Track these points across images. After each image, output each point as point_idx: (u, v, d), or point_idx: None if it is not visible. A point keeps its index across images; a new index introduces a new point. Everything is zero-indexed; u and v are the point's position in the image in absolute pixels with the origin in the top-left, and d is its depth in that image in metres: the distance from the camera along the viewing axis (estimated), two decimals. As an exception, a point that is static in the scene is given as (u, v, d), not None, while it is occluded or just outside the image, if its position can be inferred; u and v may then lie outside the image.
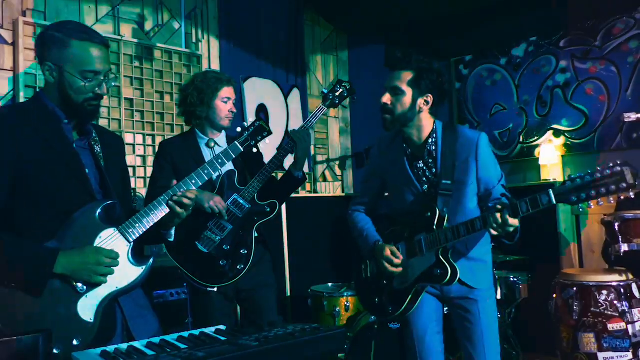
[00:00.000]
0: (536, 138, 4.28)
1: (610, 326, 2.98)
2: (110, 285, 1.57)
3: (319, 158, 5.10)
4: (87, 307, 1.52)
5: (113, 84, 1.71)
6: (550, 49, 4.22)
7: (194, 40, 4.15)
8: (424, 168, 2.16)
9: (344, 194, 5.01)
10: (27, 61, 3.24)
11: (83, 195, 1.61)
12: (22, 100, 3.18)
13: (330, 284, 3.78)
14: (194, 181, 1.78)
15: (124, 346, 1.23)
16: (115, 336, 1.62)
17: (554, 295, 3.24)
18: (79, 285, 1.53)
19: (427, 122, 2.14)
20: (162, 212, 1.71)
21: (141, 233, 1.66)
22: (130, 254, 1.62)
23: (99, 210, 1.59)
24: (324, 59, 5.24)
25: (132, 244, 1.64)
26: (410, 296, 2.12)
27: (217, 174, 2.43)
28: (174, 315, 3.20)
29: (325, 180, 5.12)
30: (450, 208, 2.09)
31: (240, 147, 1.92)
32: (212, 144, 2.60)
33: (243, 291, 2.55)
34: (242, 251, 2.47)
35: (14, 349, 1.07)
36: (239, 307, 2.81)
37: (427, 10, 4.34)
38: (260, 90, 4.48)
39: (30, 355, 1.07)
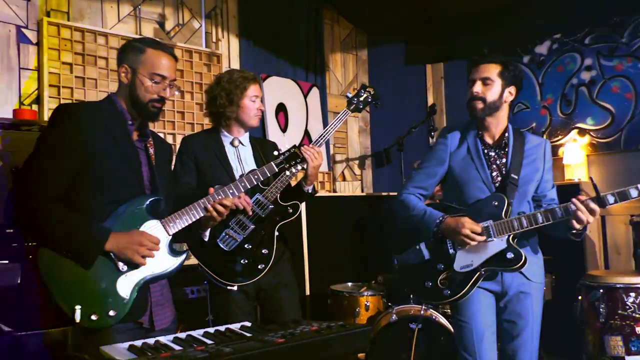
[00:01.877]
0: (560, 137, 4.21)
1: (638, 329, 2.91)
2: (148, 269, 1.77)
3: (338, 157, 5.08)
4: (125, 285, 1.71)
5: (176, 92, 1.95)
6: (574, 46, 4.13)
7: (213, 39, 4.17)
8: (495, 156, 2.29)
9: (363, 194, 4.99)
10: (51, 60, 3.28)
11: (136, 188, 1.84)
12: (46, 98, 3.22)
13: (349, 283, 3.76)
14: (231, 191, 2.03)
15: (151, 340, 1.23)
16: (143, 316, 1.79)
17: (579, 298, 3.17)
18: (121, 264, 1.72)
19: (505, 114, 2.31)
20: (200, 213, 1.94)
21: (180, 228, 1.87)
22: (168, 245, 1.83)
23: (147, 203, 1.81)
24: (343, 57, 5.22)
25: (171, 236, 1.85)
26: (473, 280, 2.19)
27: (240, 173, 2.47)
28: (194, 312, 3.21)
29: (344, 179, 5.10)
30: (513, 201, 2.20)
31: (275, 168, 2.16)
32: (237, 143, 2.60)
33: (264, 290, 2.54)
34: (263, 251, 2.46)
35: (44, 341, 1.07)
36: (258, 306, 2.80)
37: (448, 7, 4.29)
38: (279, 89, 4.48)
39: (59, 348, 1.07)
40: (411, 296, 3.20)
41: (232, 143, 2.59)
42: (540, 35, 4.29)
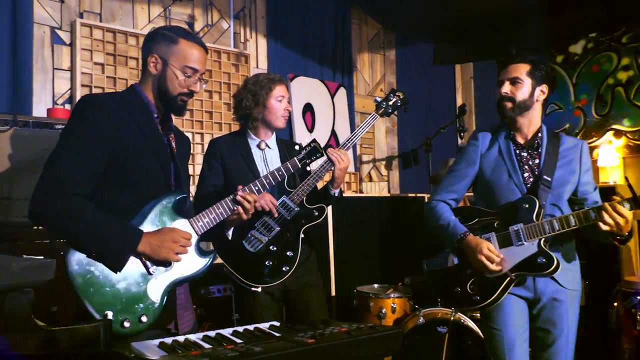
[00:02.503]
0: (595, 139, 4.10)
1: (677, 337, 2.81)
2: (177, 271, 1.69)
3: (365, 158, 5.05)
4: (155, 289, 1.64)
5: (204, 85, 1.87)
6: (611, 45, 4.02)
7: (242, 39, 4.19)
8: (527, 157, 2.22)
9: (389, 195, 4.94)
10: (84, 61, 3.34)
11: (163, 185, 1.76)
12: (78, 98, 3.27)
13: (376, 285, 3.72)
14: (257, 188, 2.01)
15: (181, 338, 1.23)
16: (171, 322, 1.72)
17: (615, 304, 3.08)
18: (152, 267, 1.64)
19: (537, 114, 2.25)
20: (227, 211, 1.87)
21: (208, 228, 1.80)
22: (196, 245, 1.75)
23: (174, 201, 1.73)
24: (371, 57, 5.19)
25: (199, 236, 1.77)
26: (503, 285, 2.12)
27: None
28: (219, 311, 3.22)
29: (371, 180, 5.07)
30: (546, 204, 2.13)
31: (298, 164, 2.15)
32: (264, 146, 2.60)
33: (290, 291, 2.54)
34: (288, 253, 2.45)
35: (77, 336, 1.07)
36: (284, 307, 2.79)
37: (478, 6, 4.22)
38: (306, 90, 4.48)
39: (92, 343, 1.08)
40: (439, 299, 3.15)
41: (258, 146, 2.59)
42: (575, 34, 4.18)
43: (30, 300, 1.05)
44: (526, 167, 2.20)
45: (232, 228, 2.21)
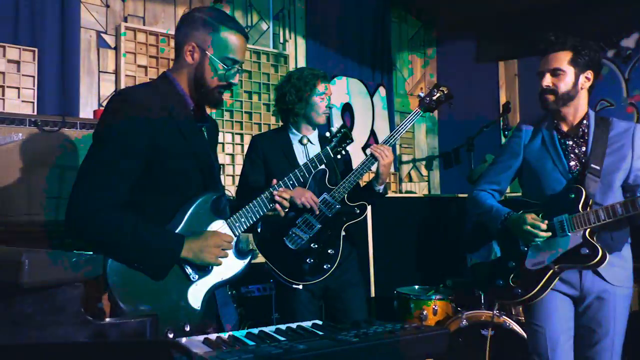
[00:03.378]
0: (647, 136, 3.92)
1: None
2: (217, 275, 1.64)
3: (405, 158, 4.99)
4: (196, 295, 1.59)
5: (240, 78, 1.77)
6: (665, 38, 3.84)
7: (281, 40, 4.21)
8: (573, 145, 2.13)
9: (430, 195, 4.87)
10: (128, 64, 3.42)
11: (200, 184, 1.67)
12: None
13: (416, 286, 3.67)
14: (291, 182, 1.92)
15: (224, 335, 1.23)
16: (213, 323, 1.67)
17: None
18: (192, 273, 1.59)
19: (583, 102, 2.15)
20: (264, 209, 1.81)
21: (246, 227, 1.75)
22: (235, 246, 1.70)
23: (210, 202, 1.67)
24: (410, 56, 5.13)
25: (238, 237, 1.72)
26: (545, 278, 2.06)
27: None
28: (259, 310, 3.24)
29: (410, 180, 5.01)
30: (595, 193, 2.04)
31: (331, 152, 2.05)
32: (305, 141, 2.59)
33: (331, 290, 2.53)
34: (329, 251, 2.45)
35: (123, 331, 1.09)
36: (324, 306, 2.79)
37: (521, 1, 4.10)
38: (345, 90, 4.46)
39: (138, 338, 1.09)
40: (482, 301, 3.08)
41: (300, 141, 2.59)
42: (627, 27, 4.00)
43: (81, 294, 1.07)
44: (572, 155, 2.12)
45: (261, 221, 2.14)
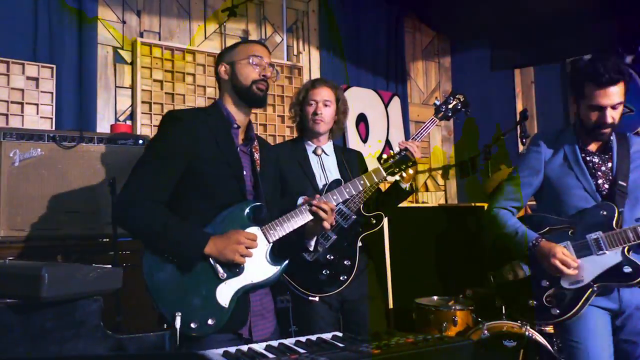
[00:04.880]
0: (669, 142, 3.84)
1: None
2: (247, 277, 1.73)
3: (421, 167, 4.95)
4: (224, 293, 1.69)
5: (277, 77, 1.98)
6: (684, 42, 3.78)
7: (295, 52, 4.22)
8: (599, 163, 2.11)
9: (446, 204, 4.82)
10: (144, 79, 3.45)
11: (237, 193, 1.82)
12: (138, 114, 3.39)
13: (435, 297, 3.62)
14: (335, 197, 1.92)
15: (244, 347, 1.22)
16: (243, 328, 1.76)
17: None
18: (221, 271, 1.70)
19: None
20: (302, 219, 1.85)
21: (281, 235, 1.82)
22: (268, 253, 1.79)
23: (247, 209, 1.79)
24: (425, 65, 5.11)
25: (271, 244, 1.80)
26: (585, 297, 2.03)
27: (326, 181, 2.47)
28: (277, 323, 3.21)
29: (427, 190, 4.96)
30: (623, 210, 2.03)
31: (384, 173, 1.97)
32: (320, 152, 2.59)
33: (348, 302, 2.50)
34: (345, 262, 2.42)
35: (142, 344, 1.08)
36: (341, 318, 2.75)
37: (538, 7, 4.06)
38: (360, 100, 4.45)
39: (158, 351, 1.08)
40: (504, 312, 3.02)
41: (315, 152, 2.59)
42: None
43: (100, 307, 1.07)
44: (599, 173, 2.09)
45: (315, 239, 2.05)
